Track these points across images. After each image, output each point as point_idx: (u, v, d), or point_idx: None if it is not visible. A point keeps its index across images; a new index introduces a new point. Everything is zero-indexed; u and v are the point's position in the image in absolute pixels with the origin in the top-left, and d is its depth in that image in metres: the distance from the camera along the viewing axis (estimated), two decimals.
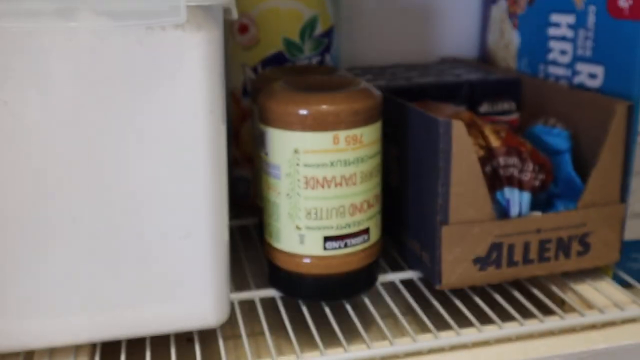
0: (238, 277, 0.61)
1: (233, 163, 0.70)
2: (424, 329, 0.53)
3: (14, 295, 0.44)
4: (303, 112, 0.47)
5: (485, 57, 0.82)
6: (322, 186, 0.49)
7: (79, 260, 0.44)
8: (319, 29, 0.67)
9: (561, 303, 0.55)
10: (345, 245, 0.51)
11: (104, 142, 0.43)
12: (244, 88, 0.67)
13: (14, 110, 0.41)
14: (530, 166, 0.54)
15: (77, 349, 0.49)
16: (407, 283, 0.57)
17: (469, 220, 0.51)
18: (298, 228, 0.50)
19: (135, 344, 0.51)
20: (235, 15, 0.45)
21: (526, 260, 0.53)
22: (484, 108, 0.68)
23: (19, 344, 0.45)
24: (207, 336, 0.53)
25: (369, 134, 0.49)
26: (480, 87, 0.67)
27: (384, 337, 0.51)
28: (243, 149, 0.69)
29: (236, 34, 0.65)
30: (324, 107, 0.47)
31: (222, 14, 0.45)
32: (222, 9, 0.44)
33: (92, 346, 0.50)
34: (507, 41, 0.75)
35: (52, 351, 0.48)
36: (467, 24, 0.85)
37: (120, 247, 0.45)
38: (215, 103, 0.44)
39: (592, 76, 0.61)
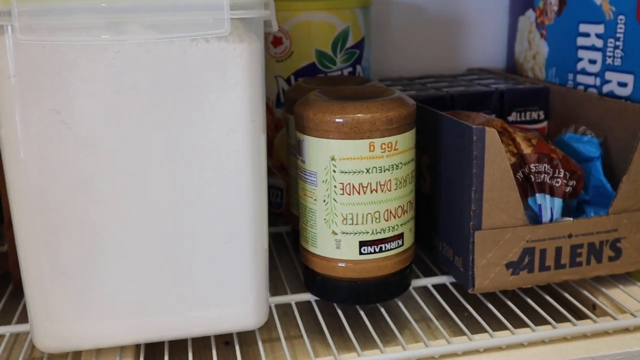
0: (273, 282, 0.62)
1: (267, 172, 0.72)
2: (456, 332, 0.54)
3: (64, 299, 0.46)
4: (339, 120, 0.49)
5: (512, 68, 0.83)
6: (358, 192, 0.50)
7: (126, 265, 0.46)
8: (351, 41, 0.69)
9: (592, 307, 0.56)
10: (380, 250, 0.52)
11: (150, 151, 0.44)
12: (278, 99, 0.69)
13: (65, 120, 0.43)
14: (561, 173, 0.55)
15: (122, 349, 0.50)
16: (440, 288, 0.58)
17: (502, 225, 0.52)
18: (334, 233, 0.52)
19: (178, 345, 0.52)
20: (275, 27, 0.47)
21: (558, 265, 0.54)
22: (513, 117, 0.69)
23: (69, 344, 0.47)
24: (244, 339, 0.55)
25: (404, 142, 0.51)
26: (510, 96, 0.68)
27: (418, 340, 0.53)
28: (276, 158, 0.71)
29: (270, 46, 0.67)
30: (360, 115, 0.49)
31: (262, 26, 0.46)
32: (262, 22, 0.46)
33: (137, 347, 0.51)
34: (535, 51, 0.76)
35: (99, 351, 0.50)
36: (495, 35, 0.86)
37: (165, 253, 0.46)
38: (256, 112, 0.46)
39: (622, 85, 0.62)
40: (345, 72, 0.69)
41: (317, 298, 0.56)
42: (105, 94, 0.43)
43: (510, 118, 0.69)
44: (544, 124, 0.70)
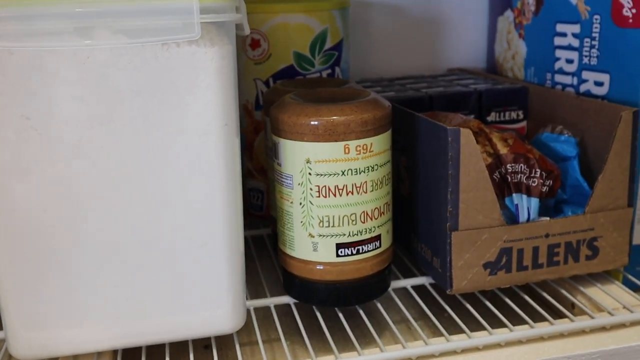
0: (253, 285, 0.62)
1: (247, 174, 0.72)
2: (436, 333, 0.54)
3: (39, 306, 0.46)
4: (314, 123, 0.49)
5: (492, 68, 0.83)
6: (334, 194, 0.50)
7: (98, 270, 0.46)
8: (329, 43, 0.68)
9: (571, 306, 0.56)
10: (358, 252, 0.52)
11: (122, 155, 0.44)
12: (257, 101, 0.69)
13: (35, 125, 0.43)
14: (537, 172, 0.55)
15: (99, 355, 0.50)
16: (419, 288, 0.58)
17: (478, 226, 0.53)
18: (311, 236, 0.52)
19: (155, 350, 0.52)
20: (247, 30, 0.47)
21: (535, 265, 0.54)
22: (492, 117, 0.69)
23: (45, 351, 0.47)
24: (224, 343, 0.55)
25: (379, 143, 0.51)
26: (488, 96, 0.69)
27: (396, 341, 0.53)
28: (256, 160, 0.70)
29: (248, 49, 0.67)
30: (335, 118, 0.49)
31: (234, 30, 0.46)
32: (234, 25, 0.46)
33: (114, 352, 0.51)
34: (514, 51, 0.76)
35: (76, 358, 0.50)
36: (475, 35, 0.86)
37: (139, 257, 0.46)
38: (229, 116, 0.45)
39: (599, 84, 0.63)
40: (324, 74, 0.69)
41: (296, 301, 0.56)
42: (76, 100, 0.43)
43: (489, 118, 0.69)
44: (523, 123, 0.70)
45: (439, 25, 0.85)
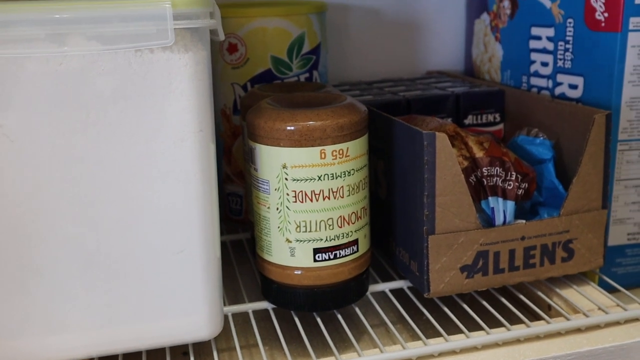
0: (232, 291, 0.62)
1: (225, 179, 0.71)
2: (414, 336, 0.54)
3: (9, 315, 0.45)
4: (290, 128, 0.49)
5: (470, 71, 0.84)
6: (311, 199, 0.50)
7: (74, 278, 0.46)
8: (307, 47, 0.69)
9: (547, 308, 0.57)
10: (335, 257, 0.52)
11: (96, 162, 0.44)
12: (235, 106, 0.69)
13: (7, 133, 0.42)
14: (513, 175, 0.55)
15: None
16: (397, 292, 0.58)
17: (455, 229, 0.53)
18: (288, 241, 0.52)
19: (132, 358, 0.52)
20: (222, 36, 0.47)
21: (512, 267, 0.55)
22: (469, 120, 0.69)
23: None
24: (202, 349, 0.54)
25: (355, 148, 0.51)
26: (465, 99, 0.69)
27: (375, 346, 0.53)
28: (235, 165, 0.70)
29: (225, 53, 0.67)
30: (310, 123, 0.49)
31: (209, 36, 0.46)
32: (208, 31, 0.46)
33: None
34: (491, 54, 0.77)
35: None
36: (453, 38, 0.87)
37: (114, 264, 0.46)
38: (204, 122, 0.45)
39: (573, 87, 0.63)
40: (302, 78, 0.69)
41: (274, 306, 0.56)
42: (49, 106, 0.42)
43: (466, 121, 0.69)
44: (500, 126, 0.71)
45: (417, 28, 0.86)
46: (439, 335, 0.51)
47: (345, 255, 0.52)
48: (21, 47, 0.41)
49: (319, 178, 0.50)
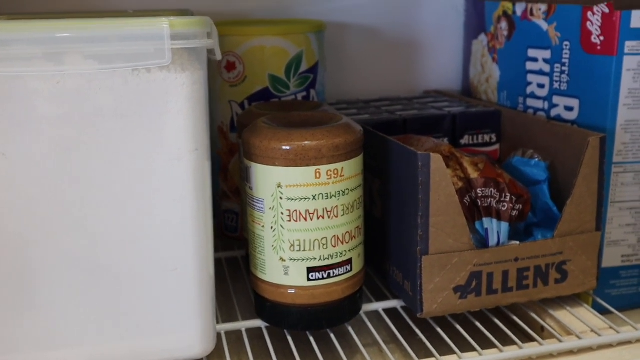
0: (226, 308, 0.62)
1: (222, 196, 0.72)
2: (407, 356, 0.54)
3: (6, 330, 0.46)
4: (285, 147, 0.49)
5: (467, 91, 0.84)
6: (305, 219, 0.51)
7: (67, 296, 0.46)
8: (304, 66, 0.69)
9: (540, 329, 0.57)
10: (329, 276, 0.52)
11: (91, 180, 0.44)
12: (232, 123, 0.69)
13: (3, 150, 0.43)
14: (507, 197, 0.55)
15: None
16: (391, 312, 0.58)
17: (449, 250, 0.53)
18: (282, 260, 0.52)
19: None
20: (219, 56, 0.47)
21: (505, 288, 0.55)
22: (466, 140, 0.70)
23: None
24: None
25: (350, 168, 0.51)
26: (462, 119, 0.69)
27: None
28: (231, 182, 0.71)
29: (223, 71, 0.68)
30: (306, 142, 0.49)
31: (206, 55, 0.47)
32: (206, 50, 0.46)
33: None
34: (488, 75, 0.77)
35: None
36: (451, 58, 0.87)
37: (108, 282, 0.46)
38: (200, 141, 0.46)
39: (569, 109, 0.64)
40: (299, 96, 0.70)
41: (267, 324, 0.56)
42: (45, 125, 0.43)
43: (462, 141, 0.70)
44: (496, 146, 0.71)
45: (415, 47, 0.86)
46: (432, 355, 0.51)
47: (339, 275, 0.53)
48: (19, 65, 0.42)
49: (314, 197, 0.50)
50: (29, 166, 0.43)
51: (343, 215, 0.51)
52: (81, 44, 0.42)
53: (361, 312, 0.57)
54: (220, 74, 0.68)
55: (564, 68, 0.64)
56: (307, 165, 0.50)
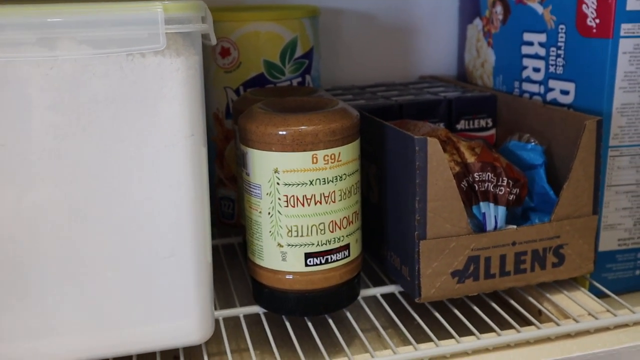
0: (223, 295, 0.62)
1: (218, 183, 0.71)
2: (405, 341, 0.54)
3: (3, 320, 0.45)
4: (282, 132, 0.49)
5: (463, 76, 0.84)
6: (302, 204, 0.50)
7: (63, 281, 0.45)
8: (299, 51, 0.69)
9: (538, 313, 0.57)
10: (326, 261, 0.52)
11: (87, 166, 0.44)
12: (227, 110, 0.69)
13: None
14: (504, 181, 0.55)
15: None
16: (389, 297, 0.58)
17: (446, 234, 0.53)
18: (280, 245, 0.52)
19: None
20: (214, 41, 0.47)
21: (503, 273, 0.55)
22: (462, 125, 0.70)
23: None
24: (193, 353, 0.54)
25: (347, 153, 0.51)
26: (458, 104, 0.69)
27: (366, 351, 0.53)
28: (227, 169, 0.70)
29: (218, 57, 0.67)
30: (302, 127, 0.49)
31: (200, 40, 0.46)
32: (200, 35, 0.46)
33: None
34: (483, 59, 0.77)
35: None
36: (446, 43, 0.87)
37: (105, 268, 0.46)
38: (195, 126, 0.45)
39: (564, 92, 0.63)
40: (295, 82, 0.69)
41: (265, 310, 0.56)
42: (40, 111, 0.42)
43: (458, 126, 0.69)
44: (492, 131, 0.71)
45: (410, 32, 0.86)
46: (430, 340, 0.51)
47: (337, 260, 0.52)
48: (11, 51, 0.41)
49: (311, 183, 0.50)
50: (22, 153, 0.43)
51: (340, 200, 0.51)
52: (74, 28, 0.41)
53: (359, 298, 0.57)
54: (215, 60, 0.67)
55: (559, 52, 0.63)
56: (304, 151, 0.49)
